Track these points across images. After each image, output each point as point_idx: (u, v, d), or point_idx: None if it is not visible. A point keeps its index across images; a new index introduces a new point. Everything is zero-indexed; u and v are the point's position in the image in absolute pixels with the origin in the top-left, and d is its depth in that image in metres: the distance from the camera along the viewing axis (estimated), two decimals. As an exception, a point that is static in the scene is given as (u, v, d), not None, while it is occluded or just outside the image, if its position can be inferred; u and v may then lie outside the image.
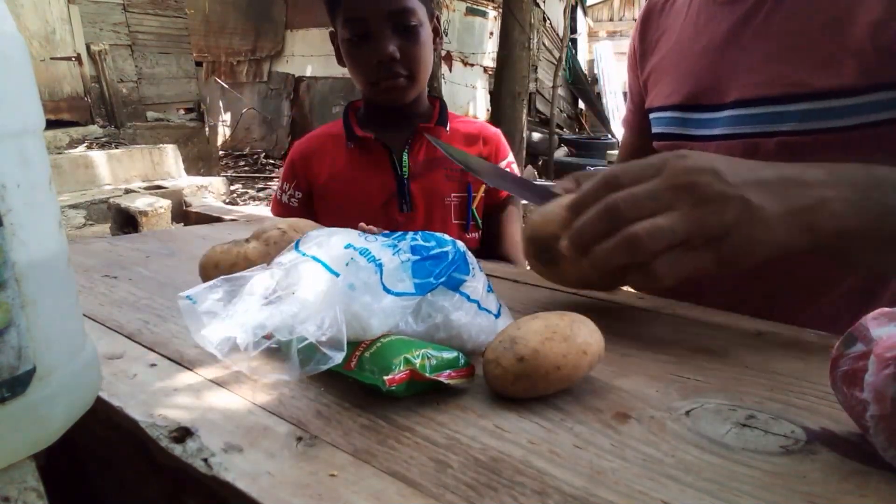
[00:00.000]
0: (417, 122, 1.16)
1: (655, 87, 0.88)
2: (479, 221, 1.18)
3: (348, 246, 0.45)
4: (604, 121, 11.02)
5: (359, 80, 1.14)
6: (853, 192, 0.49)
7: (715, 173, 0.48)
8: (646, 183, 0.49)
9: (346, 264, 0.43)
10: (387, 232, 0.51)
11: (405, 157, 1.15)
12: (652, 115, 0.89)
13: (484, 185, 1.19)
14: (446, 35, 8.74)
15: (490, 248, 1.23)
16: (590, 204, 0.51)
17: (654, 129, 0.88)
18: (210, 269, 0.58)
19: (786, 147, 0.68)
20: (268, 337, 0.39)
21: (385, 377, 0.38)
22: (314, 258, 0.44)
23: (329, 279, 0.42)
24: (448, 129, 1.19)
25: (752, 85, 0.72)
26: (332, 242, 0.46)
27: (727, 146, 0.73)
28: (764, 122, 0.70)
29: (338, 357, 0.38)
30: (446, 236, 0.49)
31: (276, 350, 0.38)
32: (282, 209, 1.21)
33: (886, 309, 0.35)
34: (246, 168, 8.30)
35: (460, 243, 0.49)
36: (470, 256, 0.48)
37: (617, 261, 0.49)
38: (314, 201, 1.20)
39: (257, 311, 0.40)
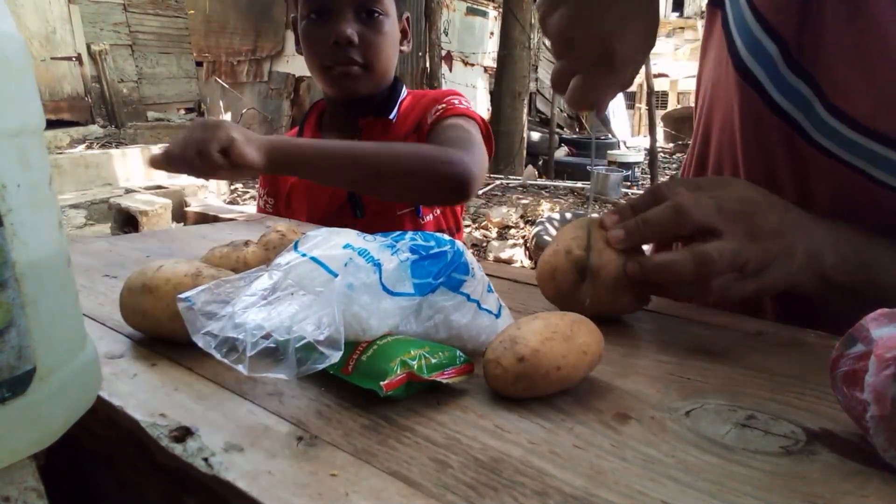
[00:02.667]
0: (362, 119, 1.10)
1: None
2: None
3: (347, 246, 0.45)
4: (604, 120, 11.00)
5: (312, 65, 1.08)
6: (847, 248, 0.54)
7: (771, 206, 0.52)
8: (707, 198, 0.51)
9: (345, 264, 0.43)
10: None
11: None
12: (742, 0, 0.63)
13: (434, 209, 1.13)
14: (446, 35, 8.74)
15: None
16: (650, 204, 0.53)
17: (736, 36, 0.64)
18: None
19: (875, 198, 0.57)
20: (266, 337, 0.39)
21: (382, 382, 0.38)
22: (313, 258, 0.44)
23: (328, 279, 0.42)
24: (394, 116, 1.10)
25: (863, 107, 0.56)
26: (330, 243, 0.46)
27: (815, 158, 0.60)
28: (865, 158, 0.57)
29: (335, 356, 0.38)
30: (445, 236, 0.49)
31: (274, 350, 0.38)
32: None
33: (886, 310, 0.35)
34: (246, 168, 8.29)
35: (459, 243, 0.49)
36: (469, 256, 0.48)
37: (683, 274, 0.50)
38: (282, 209, 1.18)
39: (256, 312, 0.40)
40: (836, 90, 0.57)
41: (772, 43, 0.60)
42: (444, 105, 1.10)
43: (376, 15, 1.04)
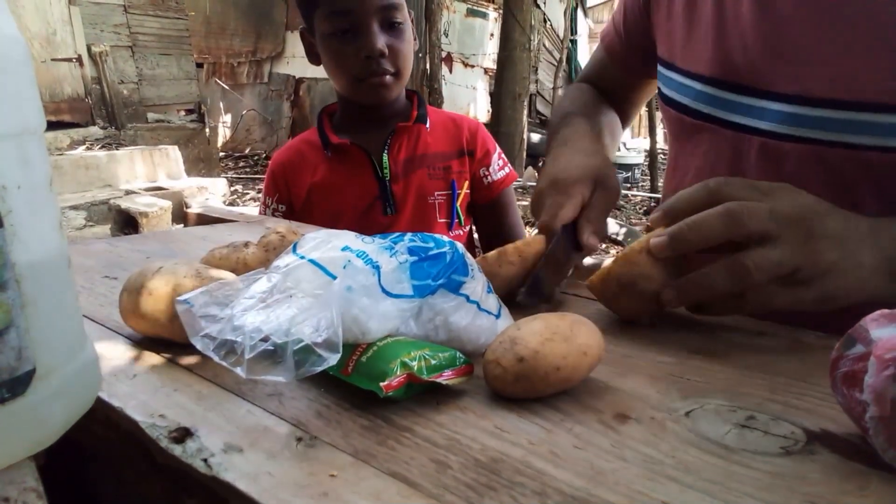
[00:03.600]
0: (395, 122, 1.14)
1: (683, 42, 0.72)
2: (462, 218, 1.17)
3: (345, 248, 0.45)
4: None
5: (341, 77, 1.10)
6: None
7: (829, 212, 0.50)
8: (760, 202, 0.49)
9: (344, 267, 0.43)
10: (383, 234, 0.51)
11: (385, 159, 1.12)
12: (667, 73, 0.75)
13: (468, 181, 1.18)
14: (446, 36, 8.75)
15: (492, 239, 1.22)
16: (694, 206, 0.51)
17: (671, 94, 0.74)
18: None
19: (853, 162, 0.58)
20: (264, 340, 0.39)
21: (382, 383, 0.38)
22: (311, 261, 0.44)
23: (326, 282, 0.42)
24: (428, 125, 1.17)
25: (820, 80, 0.59)
26: (329, 245, 0.46)
27: (781, 148, 0.62)
28: (831, 128, 0.59)
29: (333, 359, 0.38)
30: (444, 237, 0.49)
31: (272, 352, 0.38)
32: None
33: (886, 311, 0.35)
34: (246, 169, 8.30)
35: (459, 244, 0.49)
36: (468, 257, 0.48)
37: (718, 289, 0.49)
38: (298, 212, 1.17)
39: (254, 315, 0.40)
40: (788, 78, 0.61)
41: (713, 88, 0.67)
42: (506, 169, 1.23)
43: (398, 24, 1.07)
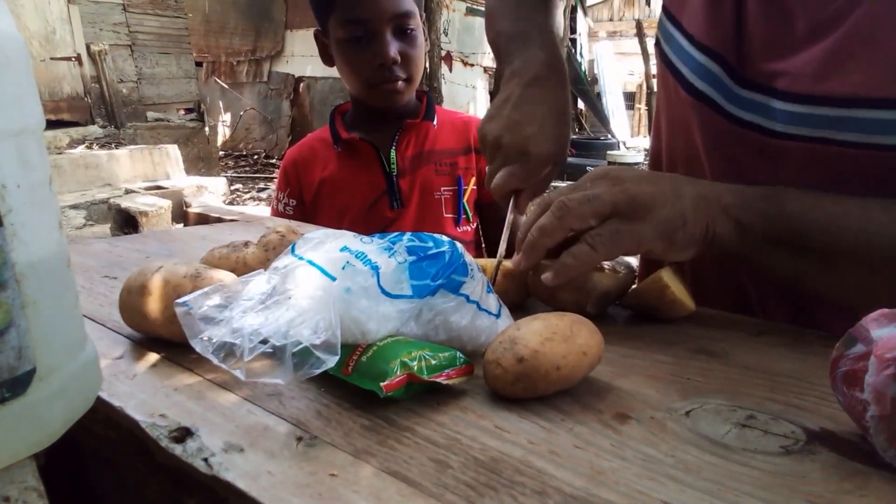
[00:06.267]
0: (404, 119, 1.17)
1: (699, 8, 0.67)
2: (470, 214, 1.18)
3: (344, 249, 0.45)
4: (604, 121, 11.01)
5: (354, 82, 1.13)
6: (754, 191, 0.55)
7: (631, 168, 0.57)
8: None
9: (343, 268, 0.43)
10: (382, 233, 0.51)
11: (392, 154, 1.15)
12: (671, 30, 0.70)
13: (474, 178, 1.19)
14: (446, 35, 8.74)
15: (495, 237, 1.23)
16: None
17: (671, 55, 0.71)
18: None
19: (846, 160, 0.57)
20: (263, 342, 0.39)
21: (382, 383, 0.38)
22: (310, 262, 0.44)
23: (325, 283, 0.42)
24: (435, 122, 1.20)
25: (811, 77, 0.58)
26: (327, 246, 0.46)
27: (778, 146, 0.61)
28: (823, 126, 0.58)
29: (331, 361, 0.38)
30: (444, 237, 0.49)
31: (271, 354, 0.38)
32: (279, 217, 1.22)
33: (886, 310, 0.35)
34: (246, 168, 8.30)
35: (458, 244, 0.49)
36: (468, 257, 0.48)
37: (552, 227, 0.53)
38: (308, 207, 1.21)
39: (253, 316, 0.40)
40: (785, 75, 0.60)
41: (716, 65, 0.65)
42: None
43: (411, 31, 1.09)
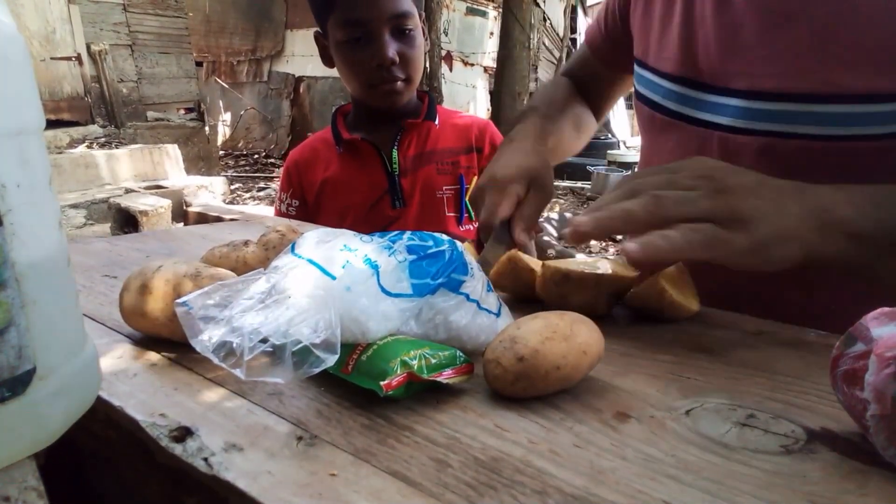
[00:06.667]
0: (405, 119, 1.18)
1: (656, 41, 0.76)
2: (472, 213, 1.19)
3: (344, 248, 0.45)
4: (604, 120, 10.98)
5: (354, 83, 1.14)
6: (862, 198, 0.52)
7: (739, 170, 0.53)
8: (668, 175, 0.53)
9: (343, 267, 0.43)
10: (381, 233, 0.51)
11: (394, 154, 1.16)
12: (640, 71, 0.79)
13: (476, 177, 1.20)
14: (446, 35, 8.74)
15: None
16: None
17: (644, 91, 0.79)
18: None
19: (806, 151, 0.61)
20: (263, 341, 0.39)
21: (382, 382, 0.38)
22: (310, 261, 0.44)
23: (325, 282, 0.42)
24: (437, 122, 1.21)
25: (770, 76, 0.63)
26: (327, 245, 0.46)
27: (738, 141, 0.66)
28: (783, 120, 0.63)
29: (331, 360, 0.38)
30: (444, 236, 0.49)
31: (271, 353, 0.38)
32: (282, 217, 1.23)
33: (887, 308, 0.35)
34: (246, 168, 8.30)
35: (458, 243, 0.49)
36: (468, 256, 0.48)
37: (638, 220, 0.50)
38: (311, 207, 1.21)
39: (253, 316, 0.40)
40: (752, 76, 0.65)
41: (681, 86, 0.72)
42: None
43: (410, 31, 1.09)
